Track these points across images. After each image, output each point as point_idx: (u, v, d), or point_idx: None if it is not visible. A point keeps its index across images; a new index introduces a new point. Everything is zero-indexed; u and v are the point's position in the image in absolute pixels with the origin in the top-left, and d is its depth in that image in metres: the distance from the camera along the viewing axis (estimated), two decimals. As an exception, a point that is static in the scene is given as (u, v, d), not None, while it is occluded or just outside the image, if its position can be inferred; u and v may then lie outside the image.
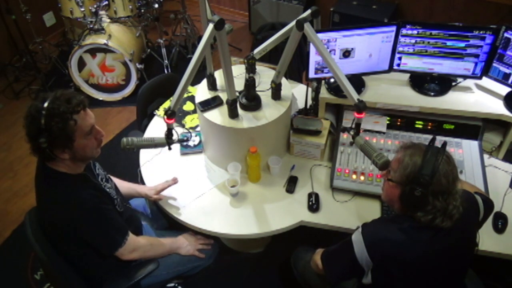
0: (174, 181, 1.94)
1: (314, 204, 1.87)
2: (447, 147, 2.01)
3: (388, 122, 2.10)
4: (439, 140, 2.07)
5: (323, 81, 2.10)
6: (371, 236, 1.38)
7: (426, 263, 1.36)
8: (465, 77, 2.06)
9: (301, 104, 2.32)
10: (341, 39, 1.91)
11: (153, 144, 1.76)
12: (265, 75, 2.07)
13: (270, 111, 1.91)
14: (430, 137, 2.05)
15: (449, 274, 1.42)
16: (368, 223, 1.44)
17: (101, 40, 3.28)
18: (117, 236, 1.61)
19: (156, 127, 2.32)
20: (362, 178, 1.92)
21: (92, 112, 1.53)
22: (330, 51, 1.93)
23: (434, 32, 1.92)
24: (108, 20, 3.55)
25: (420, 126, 2.09)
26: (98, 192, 1.58)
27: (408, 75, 2.13)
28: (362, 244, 1.37)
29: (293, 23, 1.68)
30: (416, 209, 1.34)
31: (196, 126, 2.27)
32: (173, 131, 1.75)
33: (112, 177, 1.90)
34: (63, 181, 1.51)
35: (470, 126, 2.03)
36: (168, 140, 1.74)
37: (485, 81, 2.05)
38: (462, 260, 1.46)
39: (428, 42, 1.96)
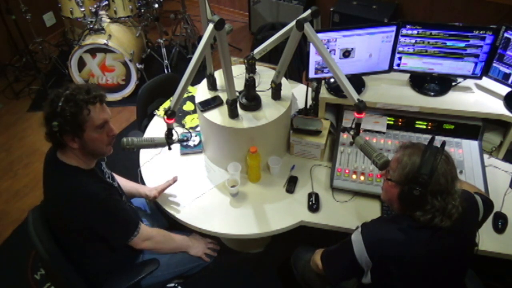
0: (174, 179, 1.95)
1: (314, 204, 1.88)
2: (447, 147, 2.02)
3: (388, 122, 2.10)
4: (439, 140, 2.08)
5: (323, 81, 2.10)
6: (371, 236, 1.38)
7: (425, 262, 1.36)
8: (465, 77, 2.05)
9: (301, 104, 2.32)
10: (341, 39, 1.91)
11: (153, 144, 1.76)
12: (265, 75, 2.07)
13: (270, 111, 1.91)
14: (430, 137, 2.07)
15: (449, 274, 1.42)
16: (368, 223, 1.44)
17: (101, 40, 3.28)
18: (130, 224, 1.64)
19: (156, 127, 2.32)
20: (362, 178, 1.92)
21: (109, 110, 1.57)
22: (330, 51, 1.93)
23: (434, 32, 1.92)
24: (108, 20, 3.55)
25: (420, 126, 2.09)
26: (108, 186, 1.61)
27: (408, 75, 2.13)
28: (361, 244, 1.37)
29: (293, 23, 1.68)
30: (415, 209, 1.34)
31: (196, 126, 2.27)
32: (173, 131, 1.75)
33: (115, 175, 1.90)
34: (74, 174, 1.52)
35: (470, 126, 2.03)
36: (168, 140, 1.74)
37: (485, 81, 2.05)
38: (461, 260, 1.46)
39: (428, 42, 1.96)
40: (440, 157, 1.31)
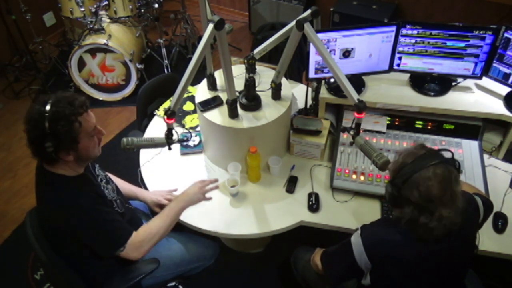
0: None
1: (314, 204, 1.87)
2: (447, 147, 2.02)
3: (388, 122, 2.10)
4: (439, 140, 2.08)
5: (323, 81, 2.10)
6: (370, 238, 1.38)
7: (424, 264, 1.36)
8: (465, 77, 2.05)
9: (301, 104, 2.32)
10: (341, 39, 1.91)
11: (153, 144, 1.76)
12: (265, 75, 2.07)
13: (270, 111, 1.91)
14: (430, 137, 2.07)
15: (448, 276, 1.41)
16: (367, 225, 1.44)
17: (101, 40, 3.28)
18: (116, 238, 1.57)
19: (156, 127, 2.32)
20: (362, 178, 1.92)
21: (92, 112, 1.53)
22: (330, 51, 1.93)
23: (434, 32, 1.92)
24: (108, 20, 3.55)
25: (420, 126, 2.09)
26: (96, 194, 1.57)
27: (408, 75, 2.12)
28: (360, 246, 1.37)
29: (293, 23, 1.68)
30: (392, 207, 1.36)
31: (196, 126, 2.27)
32: (173, 131, 1.75)
33: (113, 177, 1.90)
34: (61, 183, 1.50)
35: (470, 126, 2.03)
36: (168, 140, 1.74)
37: (485, 81, 2.05)
38: (461, 262, 1.45)
39: (428, 42, 1.96)
40: (427, 170, 1.25)
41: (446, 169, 1.26)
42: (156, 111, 2.40)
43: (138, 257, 1.61)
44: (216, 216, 1.87)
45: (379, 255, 1.36)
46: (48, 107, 1.39)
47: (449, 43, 1.94)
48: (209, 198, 1.82)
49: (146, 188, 2.02)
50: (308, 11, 1.71)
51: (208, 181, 1.83)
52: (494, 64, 1.95)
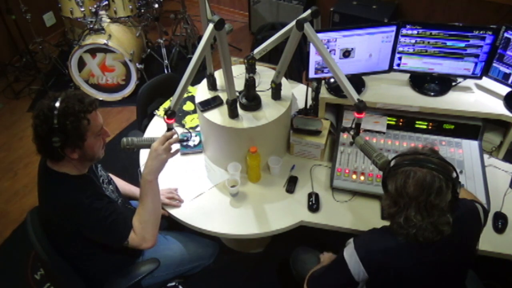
0: (179, 202, 1.92)
1: (314, 204, 1.87)
2: (447, 147, 2.02)
3: (388, 122, 2.10)
4: (439, 140, 2.08)
5: (323, 81, 2.10)
6: (364, 248, 1.35)
7: (420, 272, 1.34)
8: (465, 77, 2.05)
9: (301, 104, 2.32)
10: (341, 39, 1.91)
11: (153, 144, 1.76)
12: (265, 75, 2.07)
13: (270, 111, 1.91)
14: (430, 137, 2.07)
15: (445, 283, 1.40)
16: (360, 236, 1.41)
17: (101, 40, 3.28)
18: (117, 234, 1.58)
19: (156, 127, 2.32)
20: (362, 178, 1.92)
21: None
22: (330, 51, 1.93)
23: (434, 32, 1.92)
24: (108, 20, 3.55)
25: (420, 126, 2.09)
26: (95, 192, 1.57)
27: (408, 75, 2.12)
28: (356, 258, 1.34)
29: (293, 23, 1.68)
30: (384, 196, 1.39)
31: (196, 126, 2.27)
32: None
33: (114, 177, 1.90)
34: (63, 182, 1.51)
35: (470, 126, 2.03)
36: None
37: (485, 81, 2.05)
38: (459, 270, 1.43)
39: (428, 42, 1.96)
40: (411, 169, 1.25)
41: (431, 177, 1.23)
42: (156, 111, 2.40)
43: (149, 245, 1.61)
44: (216, 216, 1.87)
45: (376, 264, 1.33)
46: (58, 103, 1.41)
47: (449, 43, 1.94)
48: (175, 152, 1.70)
49: (146, 188, 2.02)
50: (308, 11, 1.71)
51: (163, 137, 1.65)
52: (494, 64, 1.95)
